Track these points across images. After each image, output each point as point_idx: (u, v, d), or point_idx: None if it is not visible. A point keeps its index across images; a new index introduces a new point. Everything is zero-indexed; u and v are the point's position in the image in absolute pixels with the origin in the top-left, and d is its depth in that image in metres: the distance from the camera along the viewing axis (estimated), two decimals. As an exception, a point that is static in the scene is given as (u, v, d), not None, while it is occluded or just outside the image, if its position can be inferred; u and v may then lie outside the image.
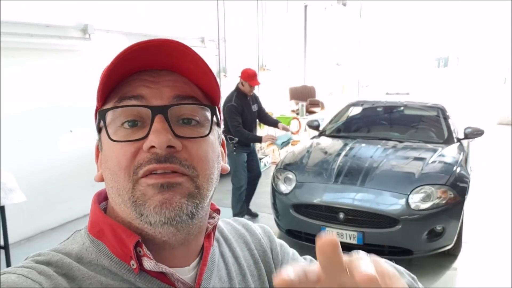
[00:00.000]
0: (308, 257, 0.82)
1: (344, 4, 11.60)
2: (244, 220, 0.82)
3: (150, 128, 0.53)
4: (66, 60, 4.44)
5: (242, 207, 4.45)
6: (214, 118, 0.60)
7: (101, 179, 0.59)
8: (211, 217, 0.67)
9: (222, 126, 0.70)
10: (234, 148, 4.27)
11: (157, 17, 5.45)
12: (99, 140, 0.60)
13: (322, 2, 11.04)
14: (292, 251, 0.82)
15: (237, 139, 4.22)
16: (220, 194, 5.14)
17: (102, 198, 0.63)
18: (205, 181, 0.56)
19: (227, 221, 0.80)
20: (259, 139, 4.23)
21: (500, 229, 4.36)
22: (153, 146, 0.52)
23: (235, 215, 4.32)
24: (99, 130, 0.59)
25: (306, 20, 10.65)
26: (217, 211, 0.68)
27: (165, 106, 0.54)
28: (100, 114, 0.57)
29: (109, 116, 0.56)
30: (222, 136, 0.67)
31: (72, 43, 4.45)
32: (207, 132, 0.57)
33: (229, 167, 0.66)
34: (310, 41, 10.87)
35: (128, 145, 0.54)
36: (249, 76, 4.21)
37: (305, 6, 10.49)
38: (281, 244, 0.80)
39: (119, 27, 4.87)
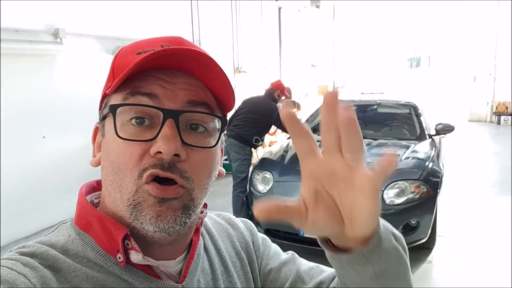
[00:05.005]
0: (291, 252, 0.84)
1: (318, 6, 11.74)
2: (228, 214, 0.84)
3: (159, 131, 0.53)
4: (38, 65, 4.35)
5: (246, 212, 4.34)
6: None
7: (98, 164, 0.59)
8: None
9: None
10: (251, 153, 4.46)
11: (130, 19, 5.40)
12: (102, 126, 0.59)
13: (295, 3, 11.13)
14: (274, 246, 0.84)
15: (261, 142, 4.62)
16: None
17: (89, 190, 0.63)
18: (199, 192, 0.58)
19: (210, 215, 0.81)
20: None
21: (472, 221, 4.50)
22: (160, 152, 0.53)
23: None
24: (104, 116, 0.58)
25: (281, 22, 10.72)
26: (205, 206, 0.68)
27: (178, 111, 0.54)
28: (111, 108, 0.56)
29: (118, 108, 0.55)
30: (224, 142, 0.68)
31: (44, 48, 4.36)
32: (213, 143, 0.58)
33: (225, 171, 0.67)
34: (285, 42, 10.95)
35: (135, 145, 0.54)
36: (287, 91, 4.78)
37: (279, 8, 10.56)
38: (263, 237, 0.82)
39: (91, 30, 4.80)
